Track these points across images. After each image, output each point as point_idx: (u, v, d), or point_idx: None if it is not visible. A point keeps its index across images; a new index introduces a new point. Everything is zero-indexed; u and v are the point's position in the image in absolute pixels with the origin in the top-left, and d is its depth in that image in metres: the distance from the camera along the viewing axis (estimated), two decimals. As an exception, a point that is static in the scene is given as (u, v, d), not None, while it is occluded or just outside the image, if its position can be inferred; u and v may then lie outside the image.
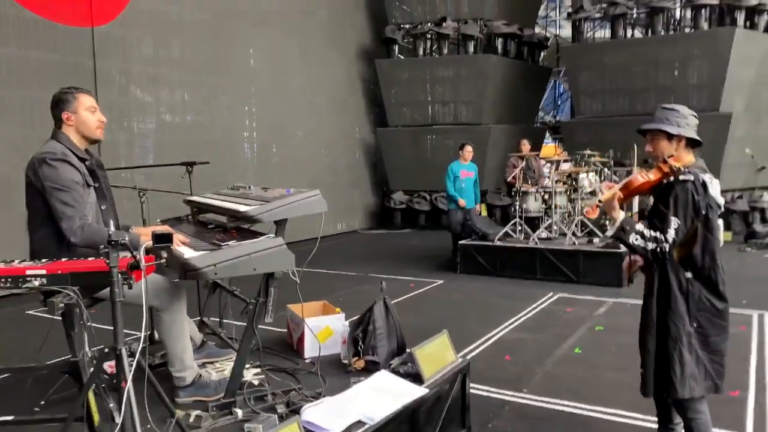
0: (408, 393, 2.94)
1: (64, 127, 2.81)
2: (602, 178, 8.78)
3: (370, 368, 3.29)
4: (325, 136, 12.57)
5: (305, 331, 3.57)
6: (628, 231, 2.63)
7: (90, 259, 2.22)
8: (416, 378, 3.11)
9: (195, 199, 3.43)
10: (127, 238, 2.57)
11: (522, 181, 8.50)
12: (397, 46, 13.50)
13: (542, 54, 15.29)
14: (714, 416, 2.79)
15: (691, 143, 2.70)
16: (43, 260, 2.20)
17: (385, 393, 2.92)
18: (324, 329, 3.61)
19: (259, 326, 2.92)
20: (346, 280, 7.86)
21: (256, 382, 3.09)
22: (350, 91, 13.52)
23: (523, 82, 13.74)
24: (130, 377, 1.90)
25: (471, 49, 12.82)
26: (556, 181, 8.36)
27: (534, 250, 7.69)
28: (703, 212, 2.55)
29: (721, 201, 2.71)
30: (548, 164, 9.19)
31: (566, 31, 19.91)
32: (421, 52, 13.27)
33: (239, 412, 2.76)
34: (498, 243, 7.99)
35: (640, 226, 2.61)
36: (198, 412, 2.77)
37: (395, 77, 13.17)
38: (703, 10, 11.05)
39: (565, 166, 9.31)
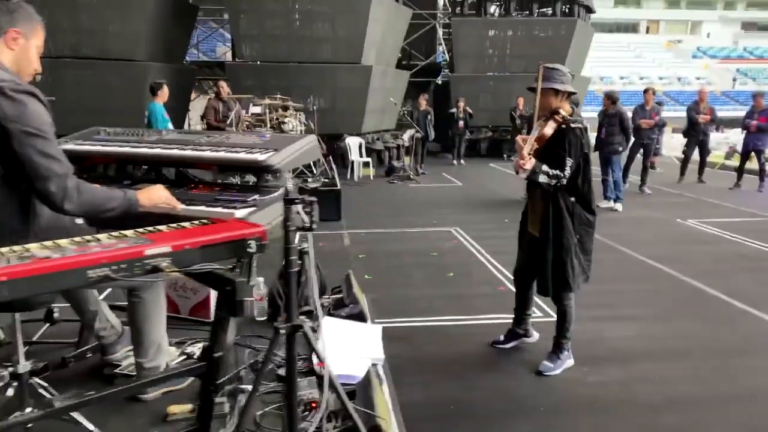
0: (372, 330, 3.09)
1: (1, 48, 1.88)
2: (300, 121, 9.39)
3: (304, 318, 3.24)
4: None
5: (210, 296, 3.21)
6: (538, 172, 3.31)
7: (199, 224, 1.69)
8: (359, 317, 3.25)
9: (155, 152, 2.51)
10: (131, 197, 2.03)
11: (223, 123, 8.42)
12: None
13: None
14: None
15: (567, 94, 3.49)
16: (148, 229, 1.59)
17: (356, 335, 3.01)
18: (227, 290, 3.30)
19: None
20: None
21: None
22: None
23: (174, 18, 12.97)
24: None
25: (120, -26, 11.41)
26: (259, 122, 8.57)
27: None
28: (585, 150, 3.40)
29: (591, 139, 3.62)
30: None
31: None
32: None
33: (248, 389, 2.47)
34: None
35: (545, 167, 3.31)
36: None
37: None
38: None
39: (257, 109, 9.53)
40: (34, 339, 3.08)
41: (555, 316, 4.24)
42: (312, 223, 1.74)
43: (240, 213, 2.07)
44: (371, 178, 12.29)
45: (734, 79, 48.50)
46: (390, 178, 12.02)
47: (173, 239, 1.57)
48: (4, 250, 1.49)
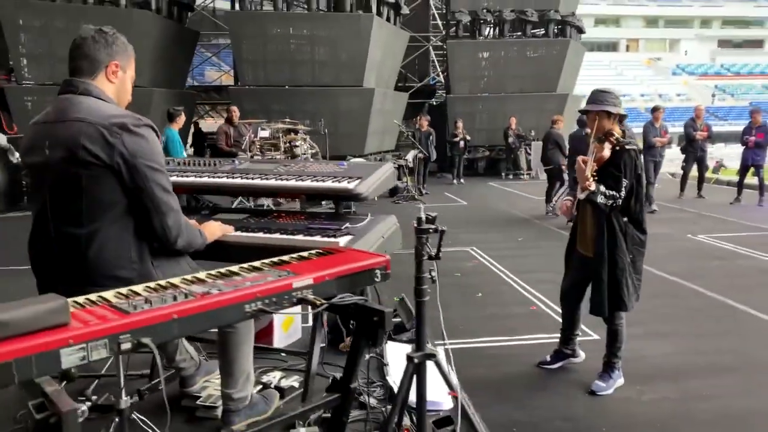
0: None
1: (102, 81, 1.90)
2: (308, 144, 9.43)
3: (365, 344, 3.26)
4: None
5: (273, 323, 3.22)
6: (596, 193, 3.37)
7: (316, 254, 1.71)
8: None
9: (240, 182, 2.54)
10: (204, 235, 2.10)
11: (235, 148, 8.45)
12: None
13: (188, 16, 14.67)
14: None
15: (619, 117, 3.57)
16: (273, 260, 1.61)
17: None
18: (287, 318, 3.32)
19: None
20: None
21: (296, 385, 2.75)
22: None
23: (176, 44, 13.03)
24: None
25: (123, 2, 11.44)
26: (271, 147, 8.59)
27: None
28: (638, 172, 3.47)
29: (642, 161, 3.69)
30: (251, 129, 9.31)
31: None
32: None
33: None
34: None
35: (603, 188, 3.37)
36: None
37: (30, 24, 10.74)
38: (347, -7, 12.61)
39: (264, 133, 9.57)
40: (103, 372, 3.05)
41: (594, 335, 4.31)
42: (439, 252, 1.77)
43: (342, 241, 2.10)
44: (375, 199, 12.23)
45: (713, 95, 49.57)
46: (394, 199, 12.07)
47: (311, 270, 1.60)
48: (152, 285, 1.51)
